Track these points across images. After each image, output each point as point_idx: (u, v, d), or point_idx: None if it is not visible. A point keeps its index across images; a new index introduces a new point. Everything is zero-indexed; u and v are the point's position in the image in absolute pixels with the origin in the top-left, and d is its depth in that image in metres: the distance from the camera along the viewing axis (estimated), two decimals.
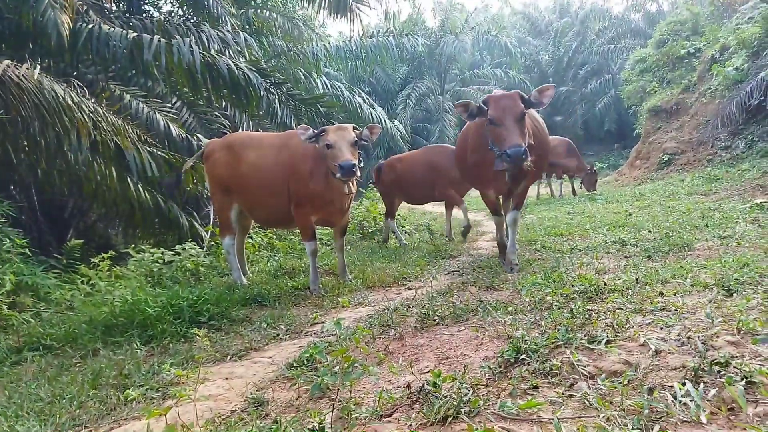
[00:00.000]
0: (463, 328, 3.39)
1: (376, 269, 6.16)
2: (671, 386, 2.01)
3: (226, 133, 9.10)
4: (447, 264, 6.44)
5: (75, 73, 8.44)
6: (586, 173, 14.46)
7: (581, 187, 15.03)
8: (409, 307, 4.12)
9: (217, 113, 10.50)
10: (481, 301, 3.86)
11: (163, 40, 7.82)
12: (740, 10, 16.15)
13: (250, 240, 7.81)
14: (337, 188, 5.12)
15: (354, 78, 27.79)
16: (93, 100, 6.62)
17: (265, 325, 4.25)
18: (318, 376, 2.63)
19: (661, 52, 18.89)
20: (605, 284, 3.60)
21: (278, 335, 4.03)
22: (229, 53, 9.08)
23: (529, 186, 5.81)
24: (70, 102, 5.84)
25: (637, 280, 3.67)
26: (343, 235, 6.02)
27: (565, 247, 6.14)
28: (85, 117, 5.93)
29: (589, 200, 12.53)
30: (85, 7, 8.61)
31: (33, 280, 5.45)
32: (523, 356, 2.49)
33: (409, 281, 5.58)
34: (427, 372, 2.71)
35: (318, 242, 5.57)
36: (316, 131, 4.97)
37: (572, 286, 3.67)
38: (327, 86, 16.52)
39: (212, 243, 7.69)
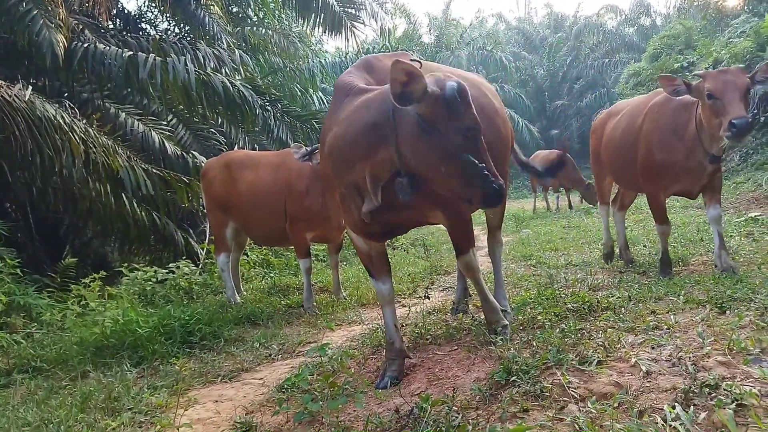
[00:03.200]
0: (455, 347, 3.36)
1: (371, 286, 6.12)
2: (661, 409, 1.99)
3: (223, 150, 9.14)
4: (442, 280, 6.43)
5: (69, 93, 8.47)
6: (585, 187, 14.48)
7: (581, 201, 15.04)
8: (402, 325, 4.09)
9: (212, 130, 10.54)
10: (474, 319, 3.84)
11: (158, 58, 7.88)
12: (732, 24, 16.31)
13: (245, 257, 7.80)
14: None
15: None
16: (84, 121, 6.64)
17: (258, 345, 4.23)
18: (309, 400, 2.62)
19: (654, 66, 19.01)
20: (598, 302, 3.58)
21: (270, 355, 4.01)
22: (225, 71, 9.15)
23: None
24: (62, 122, 5.87)
25: (629, 297, 3.65)
26: (338, 252, 6.02)
27: (561, 262, 6.13)
28: (77, 138, 5.95)
29: (585, 214, 12.54)
30: (80, 26, 8.69)
31: (25, 300, 5.41)
32: (514, 378, 2.46)
33: (404, 297, 5.57)
34: (418, 394, 2.69)
35: (313, 259, 5.55)
36: (309, 149, 4.96)
37: (565, 303, 3.65)
38: (324, 102, 16.60)
39: (207, 260, 7.67)
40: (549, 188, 15.46)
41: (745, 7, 16.74)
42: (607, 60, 29.83)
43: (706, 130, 4.06)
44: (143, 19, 12.99)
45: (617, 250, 5.79)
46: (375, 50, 18.91)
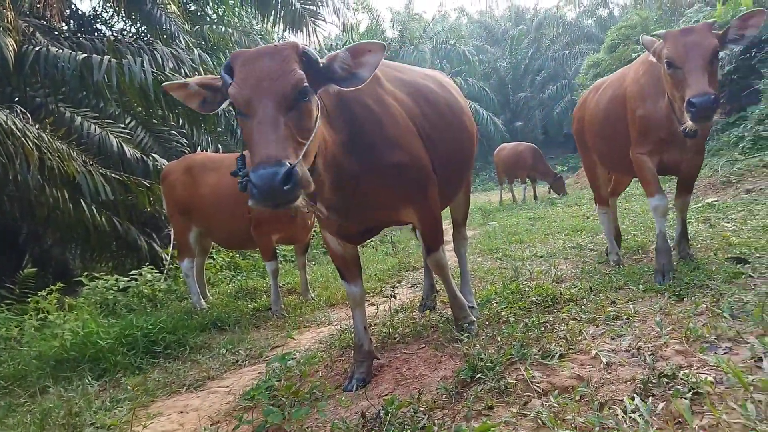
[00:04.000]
0: (423, 345, 3.37)
1: (339, 286, 6.10)
2: (621, 400, 2.02)
3: (186, 153, 8.96)
4: (410, 276, 6.44)
5: (21, 98, 8.17)
6: (553, 178, 14.73)
7: (550, 192, 15.28)
8: (371, 324, 4.08)
9: (174, 132, 10.31)
10: (442, 316, 3.86)
11: (113, 60, 7.65)
12: (686, 14, 16.74)
13: (211, 260, 7.68)
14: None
15: None
16: (37, 126, 6.42)
17: (224, 351, 4.17)
18: (276, 406, 2.59)
19: (613, 57, 19.38)
20: (561, 294, 3.64)
21: (237, 361, 3.95)
22: (184, 71, 8.95)
23: (701, 159, 4.17)
24: (14, 128, 5.66)
25: (591, 288, 3.72)
26: (305, 253, 5.96)
27: (526, 254, 6.20)
28: (30, 143, 5.75)
29: (549, 205, 12.73)
30: (31, 29, 8.39)
31: None
32: (479, 375, 2.48)
33: (373, 296, 5.55)
34: (386, 395, 2.68)
35: (281, 260, 5.45)
36: None
37: (529, 297, 3.70)
38: None
39: (172, 265, 7.52)
40: (515, 180, 15.65)
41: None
42: (567, 51, 30.37)
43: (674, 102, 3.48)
44: (98, 20, 12.60)
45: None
46: (339, 46, 18.76)
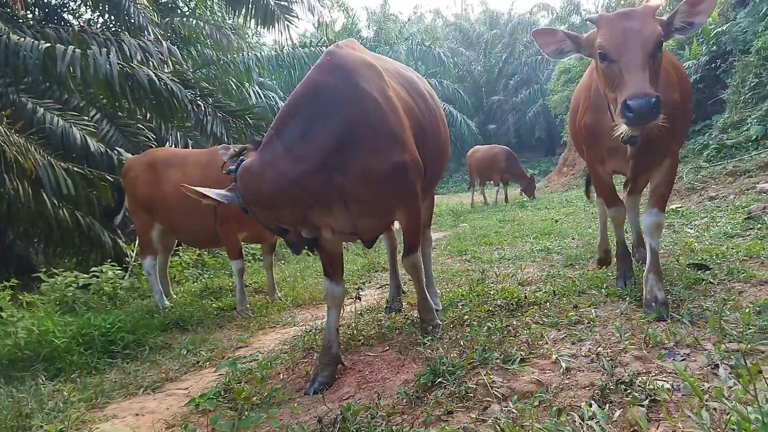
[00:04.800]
0: (387, 348, 3.34)
1: (307, 286, 6.05)
2: (579, 407, 2.02)
3: (153, 147, 8.76)
4: (379, 277, 6.41)
5: None
6: (527, 181, 14.88)
7: (521, 194, 15.43)
8: None
9: (140, 126, 10.06)
10: (407, 318, 3.83)
11: (78, 50, 7.43)
12: None
13: (177, 257, 7.52)
14: None
15: (290, 87, 27.37)
16: None
17: (185, 352, 4.08)
18: (234, 410, 2.53)
19: (584, 63, 19.68)
20: (525, 297, 3.65)
21: (198, 362, 3.87)
22: (153, 64, 8.75)
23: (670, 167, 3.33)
24: None
25: (554, 292, 3.74)
26: (272, 252, 5.88)
27: (494, 256, 6.23)
28: None
29: (519, 207, 12.85)
30: None
31: None
32: (440, 379, 2.46)
33: None
34: (347, 399, 2.65)
35: (249, 258, 5.35)
36: (237, 149, 4.78)
37: (494, 300, 3.70)
38: (260, 96, 16.24)
39: (136, 262, 7.34)
40: (487, 182, 15.75)
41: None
42: (540, 57, 30.68)
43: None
44: (65, 9, 12.26)
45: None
46: (314, 44, 18.59)
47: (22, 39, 7.52)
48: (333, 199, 2.75)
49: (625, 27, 2.65)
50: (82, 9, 12.44)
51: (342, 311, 4.44)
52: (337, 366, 3.07)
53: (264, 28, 12.93)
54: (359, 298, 3.99)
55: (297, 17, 13.19)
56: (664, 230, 6.03)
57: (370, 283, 6.15)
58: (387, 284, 5.59)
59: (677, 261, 4.31)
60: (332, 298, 3.16)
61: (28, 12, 10.75)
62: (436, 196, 5.20)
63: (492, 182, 15.37)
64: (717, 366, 2.19)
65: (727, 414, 1.74)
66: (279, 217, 2.86)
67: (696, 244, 4.81)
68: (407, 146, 2.82)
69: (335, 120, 2.61)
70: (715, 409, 1.83)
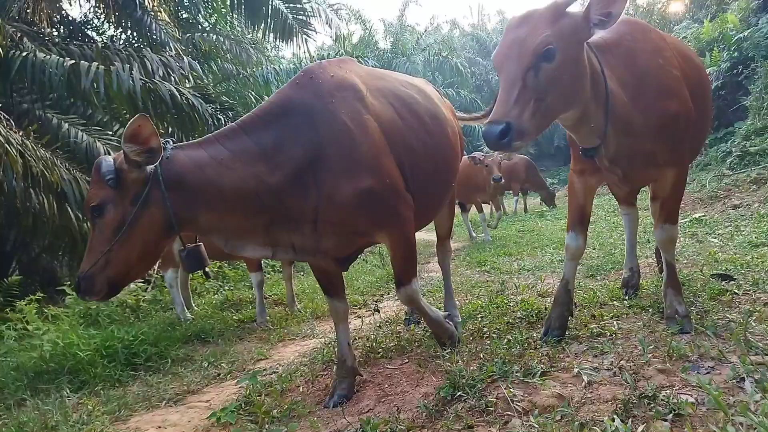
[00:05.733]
0: (406, 360, 3.33)
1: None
2: (602, 421, 2.00)
3: None
4: None
5: (6, 103, 8.09)
6: (546, 191, 14.83)
7: (541, 204, 15.35)
8: (355, 338, 4.04)
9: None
10: (426, 330, 3.82)
11: (102, 66, 7.61)
12: (675, 30, 16.96)
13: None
14: None
15: None
16: (21, 133, 6.36)
17: (206, 364, 4.11)
18: (254, 423, 2.54)
19: None
20: (546, 309, 3.62)
21: (219, 375, 3.89)
22: (174, 79, 8.92)
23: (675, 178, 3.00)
24: None
25: (575, 303, 3.70)
26: (292, 264, 5.92)
27: (514, 267, 6.20)
28: (15, 150, 5.68)
29: (539, 217, 12.76)
30: (19, 35, 8.33)
31: None
32: (460, 392, 2.45)
33: (359, 308, 5.52)
34: (367, 412, 2.65)
35: (269, 270, 5.39)
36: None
37: (514, 311, 3.68)
38: None
39: (159, 275, 7.44)
40: (505, 191, 15.63)
41: (687, 14, 17.45)
42: None
43: None
44: (89, 27, 12.57)
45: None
46: (332, 56, 18.81)
47: (48, 56, 7.72)
48: (305, 216, 2.63)
49: (513, 37, 2.34)
50: (105, 26, 12.77)
51: (361, 323, 4.49)
52: (355, 378, 3.07)
53: (283, 42, 13.11)
54: (378, 311, 4.00)
55: (315, 31, 13.37)
56: (687, 240, 5.95)
57: (388, 294, 6.15)
58: None
59: (701, 271, 4.23)
60: (336, 314, 3.15)
61: (53, 29, 11.03)
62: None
63: (511, 192, 15.25)
64: (742, 379, 2.15)
65: (754, 429, 1.71)
66: (223, 223, 2.58)
67: (720, 253, 4.73)
68: (381, 171, 2.71)
69: (304, 140, 2.57)
70: (741, 423, 1.79)
